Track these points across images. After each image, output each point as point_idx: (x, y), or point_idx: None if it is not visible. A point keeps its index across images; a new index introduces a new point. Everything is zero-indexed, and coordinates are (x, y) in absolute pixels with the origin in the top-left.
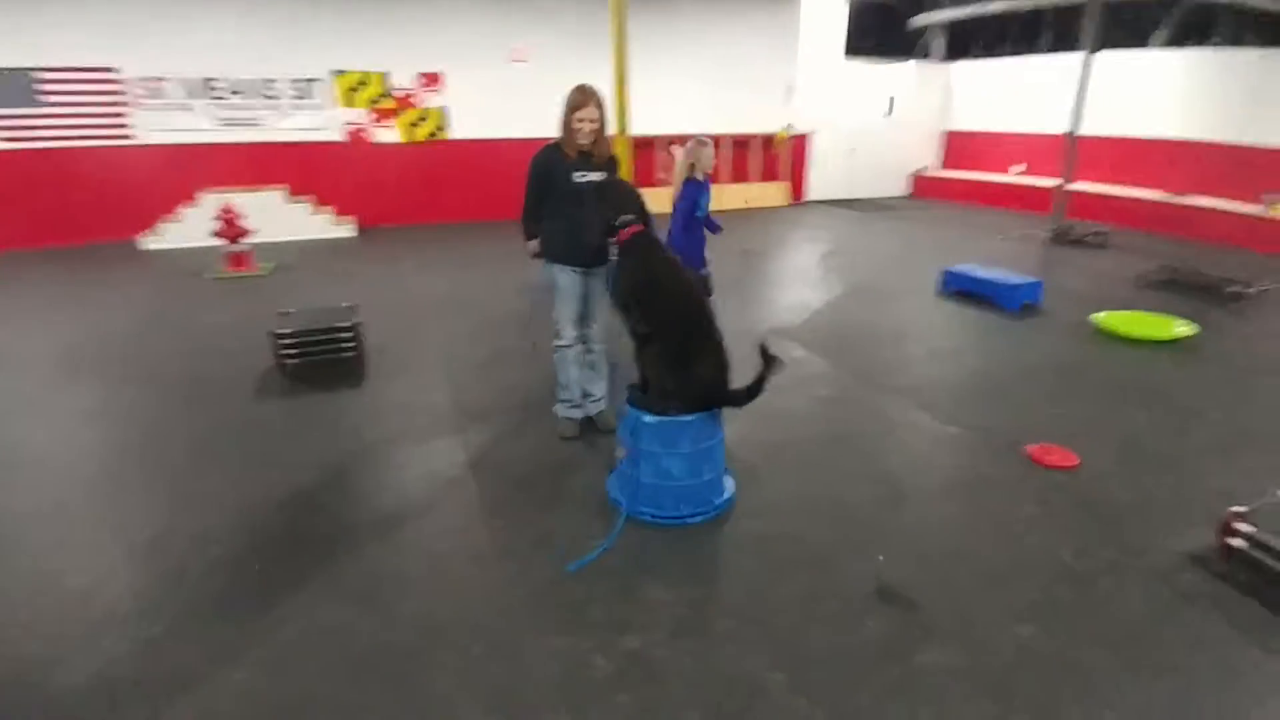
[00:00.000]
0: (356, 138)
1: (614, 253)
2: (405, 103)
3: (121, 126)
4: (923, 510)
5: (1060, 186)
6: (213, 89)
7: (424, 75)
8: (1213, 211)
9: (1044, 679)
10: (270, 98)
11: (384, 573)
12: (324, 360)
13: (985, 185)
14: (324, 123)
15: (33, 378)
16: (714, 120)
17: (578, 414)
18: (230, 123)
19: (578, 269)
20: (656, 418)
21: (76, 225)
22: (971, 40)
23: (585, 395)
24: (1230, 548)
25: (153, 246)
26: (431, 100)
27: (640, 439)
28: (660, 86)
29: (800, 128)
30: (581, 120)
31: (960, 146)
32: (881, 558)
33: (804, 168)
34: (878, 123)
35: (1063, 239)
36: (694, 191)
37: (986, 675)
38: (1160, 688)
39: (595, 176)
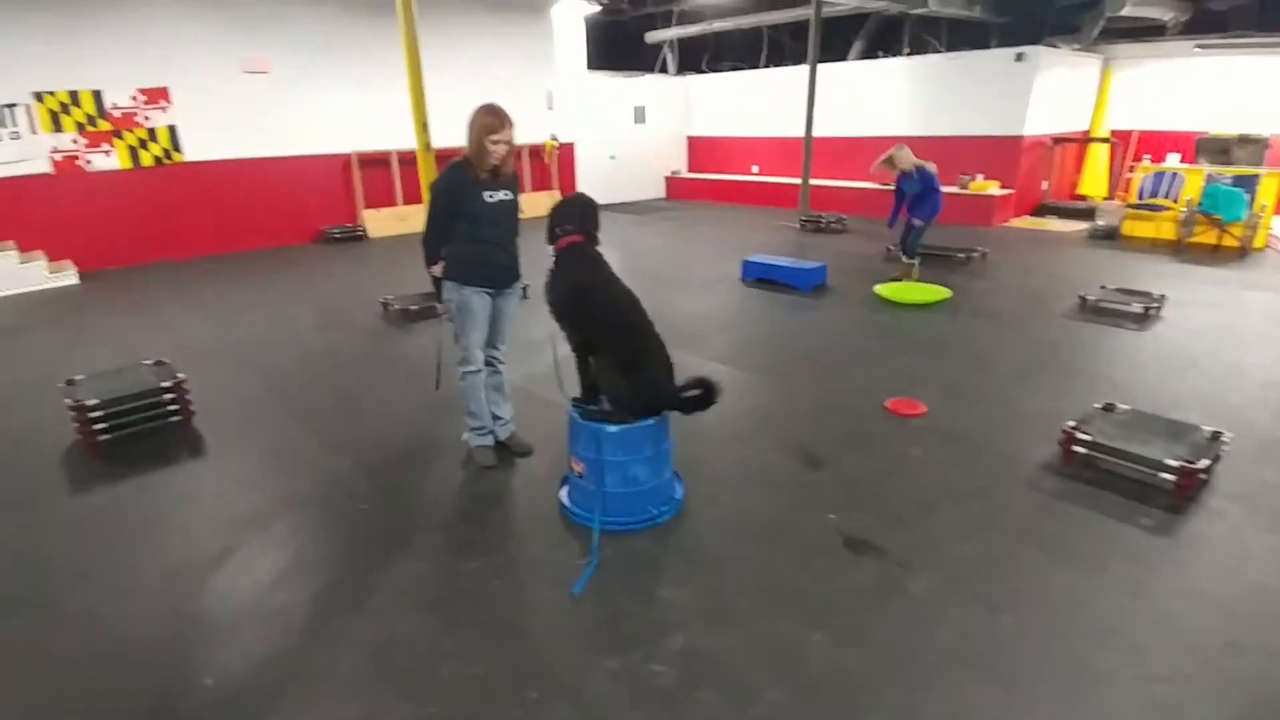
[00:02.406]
0: (68, 167)
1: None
2: (126, 123)
3: None
4: (836, 467)
5: (804, 183)
6: None
7: (145, 91)
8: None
9: (1003, 580)
10: None
11: (380, 643)
12: (144, 431)
13: (729, 184)
14: (25, 153)
15: None
16: None
17: (491, 440)
18: None
19: (489, 291)
20: (619, 426)
21: None
22: (700, 55)
23: (494, 419)
24: (1074, 454)
25: None
26: (158, 119)
27: (604, 450)
28: (430, 100)
29: (564, 138)
30: (497, 143)
31: (703, 150)
32: (832, 516)
33: (573, 176)
34: (630, 131)
35: (810, 227)
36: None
37: (965, 588)
38: (1077, 567)
39: (504, 194)
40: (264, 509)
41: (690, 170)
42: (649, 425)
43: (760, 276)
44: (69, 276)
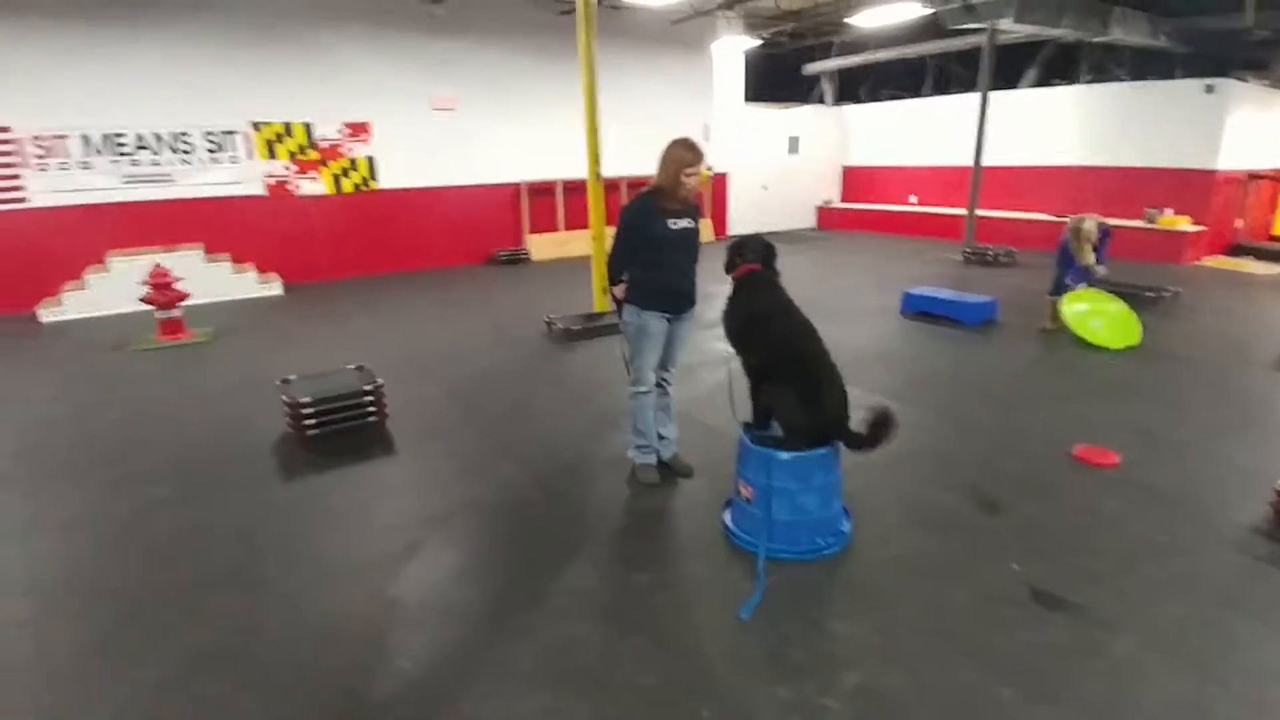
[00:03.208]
0: (279, 191)
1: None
2: (331, 153)
3: (14, 190)
4: (1017, 513)
5: (970, 213)
6: (119, 145)
7: (350, 125)
8: None
9: (1210, 646)
10: (183, 152)
11: (557, 644)
12: (346, 429)
13: (884, 214)
14: (242, 176)
15: None
16: (644, 162)
17: (654, 458)
18: (137, 180)
19: (667, 315)
20: (791, 454)
21: None
22: (858, 85)
23: (659, 438)
24: None
25: (54, 319)
26: (358, 150)
27: (774, 476)
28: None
29: (718, 168)
30: (691, 175)
31: (857, 180)
32: (1017, 566)
33: (725, 204)
34: (784, 161)
35: (976, 260)
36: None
37: (1169, 652)
38: None
39: (686, 222)
40: (447, 508)
41: (845, 200)
42: (821, 454)
43: (922, 310)
44: (275, 287)
